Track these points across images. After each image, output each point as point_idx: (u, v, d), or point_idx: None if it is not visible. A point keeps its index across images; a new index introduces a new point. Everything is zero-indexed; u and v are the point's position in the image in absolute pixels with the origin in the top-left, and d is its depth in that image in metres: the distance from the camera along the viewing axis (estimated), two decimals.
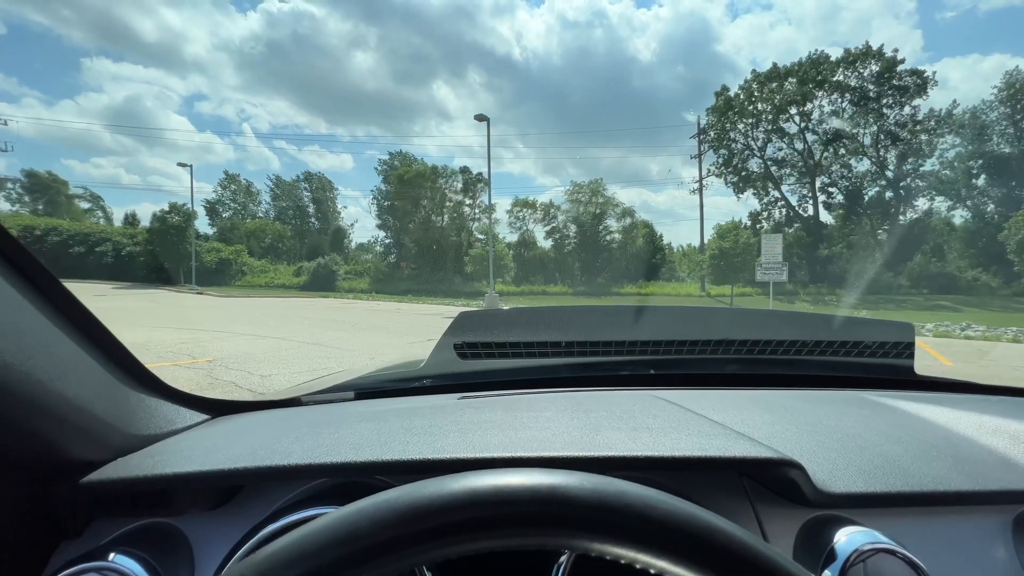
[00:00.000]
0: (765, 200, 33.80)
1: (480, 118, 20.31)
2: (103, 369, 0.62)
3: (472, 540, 0.30)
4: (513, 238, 36.22)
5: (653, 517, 0.30)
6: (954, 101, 29.69)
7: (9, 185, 44.24)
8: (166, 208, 32.49)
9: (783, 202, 33.42)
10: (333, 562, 0.29)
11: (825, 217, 32.24)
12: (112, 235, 36.50)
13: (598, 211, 33.76)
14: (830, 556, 0.53)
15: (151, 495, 0.60)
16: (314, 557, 0.29)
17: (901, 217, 30.26)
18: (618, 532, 0.30)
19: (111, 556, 0.51)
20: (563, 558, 0.57)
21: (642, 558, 0.30)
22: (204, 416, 0.82)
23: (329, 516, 0.31)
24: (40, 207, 45.62)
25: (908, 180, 30.32)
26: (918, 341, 1.13)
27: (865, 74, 29.04)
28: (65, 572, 0.50)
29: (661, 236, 35.46)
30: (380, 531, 0.29)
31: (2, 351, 0.46)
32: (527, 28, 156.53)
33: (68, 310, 0.57)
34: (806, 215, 32.49)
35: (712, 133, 32.87)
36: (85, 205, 51.73)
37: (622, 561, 0.31)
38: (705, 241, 31.12)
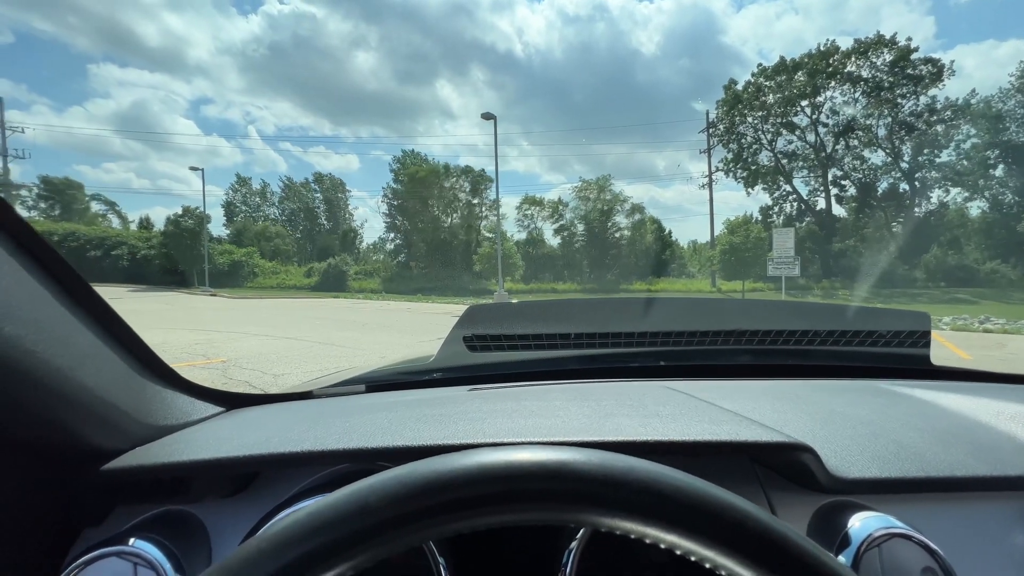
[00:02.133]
0: (776, 194, 33.41)
1: (487, 116, 20.33)
2: (122, 361, 0.63)
3: (481, 515, 0.30)
4: (521, 236, 36.28)
5: (662, 491, 0.30)
6: (973, 90, 28.92)
7: (24, 192, 44.97)
8: (179, 212, 33.05)
9: (794, 196, 33.03)
10: (345, 536, 0.29)
11: (838, 211, 31.82)
12: (128, 239, 37.12)
13: (606, 208, 33.60)
14: (844, 541, 0.52)
15: (169, 483, 0.61)
16: (326, 531, 0.29)
17: (916, 209, 29.70)
18: (626, 506, 0.30)
19: (131, 541, 0.52)
20: (574, 544, 0.57)
21: (651, 532, 0.30)
22: (219, 408, 0.83)
23: (340, 491, 0.31)
24: (56, 212, 46.39)
25: (923, 171, 29.72)
26: (934, 334, 1.11)
27: (878, 64, 28.44)
28: (87, 556, 0.51)
29: (670, 232, 35.21)
30: (389, 505, 0.30)
31: (23, 339, 0.47)
32: (528, 24, 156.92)
33: (88, 303, 0.59)
34: (818, 209, 32.07)
35: (721, 127, 32.46)
36: (102, 208, 52.63)
37: (632, 536, 0.30)
38: (715, 236, 30.83)
